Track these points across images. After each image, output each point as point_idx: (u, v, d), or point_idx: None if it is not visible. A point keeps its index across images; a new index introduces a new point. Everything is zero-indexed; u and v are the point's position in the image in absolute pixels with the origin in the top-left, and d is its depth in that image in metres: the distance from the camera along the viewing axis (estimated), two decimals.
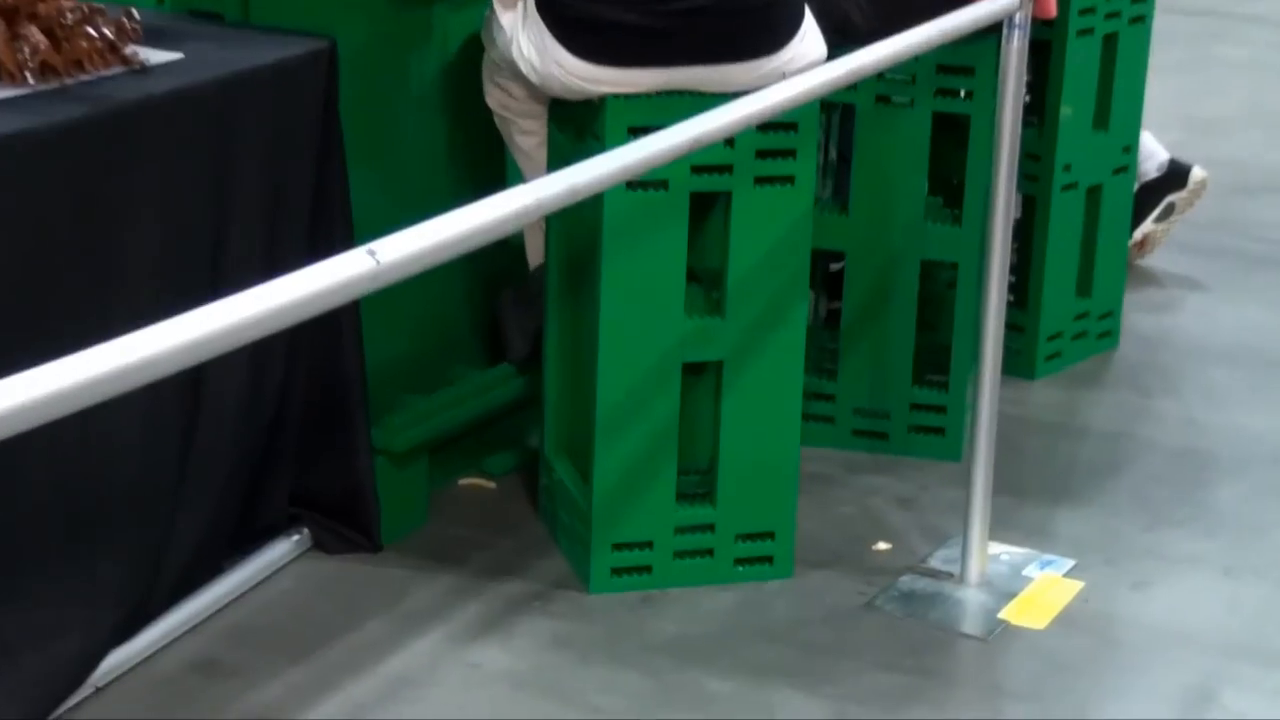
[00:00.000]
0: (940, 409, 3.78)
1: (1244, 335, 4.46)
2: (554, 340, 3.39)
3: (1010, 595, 3.26)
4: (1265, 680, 3.04)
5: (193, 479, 2.98)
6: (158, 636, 2.97)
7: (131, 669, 2.91)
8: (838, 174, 3.86)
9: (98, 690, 2.85)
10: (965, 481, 3.27)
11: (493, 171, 3.61)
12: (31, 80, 2.78)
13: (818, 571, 3.32)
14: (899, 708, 2.93)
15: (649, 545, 3.23)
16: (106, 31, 2.88)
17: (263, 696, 2.88)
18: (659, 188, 3.10)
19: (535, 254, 3.55)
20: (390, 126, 3.44)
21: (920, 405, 3.78)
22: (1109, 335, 4.35)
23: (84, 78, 2.83)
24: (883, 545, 3.43)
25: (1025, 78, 3.18)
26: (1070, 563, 3.38)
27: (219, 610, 3.09)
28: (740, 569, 3.28)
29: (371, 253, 1.97)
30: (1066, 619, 3.20)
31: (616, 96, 3.09)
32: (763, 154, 3.13)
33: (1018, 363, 4.11)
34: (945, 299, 3.84)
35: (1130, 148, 4.26)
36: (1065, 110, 4.07)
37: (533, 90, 3.25)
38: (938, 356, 3.81)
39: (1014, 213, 3.24)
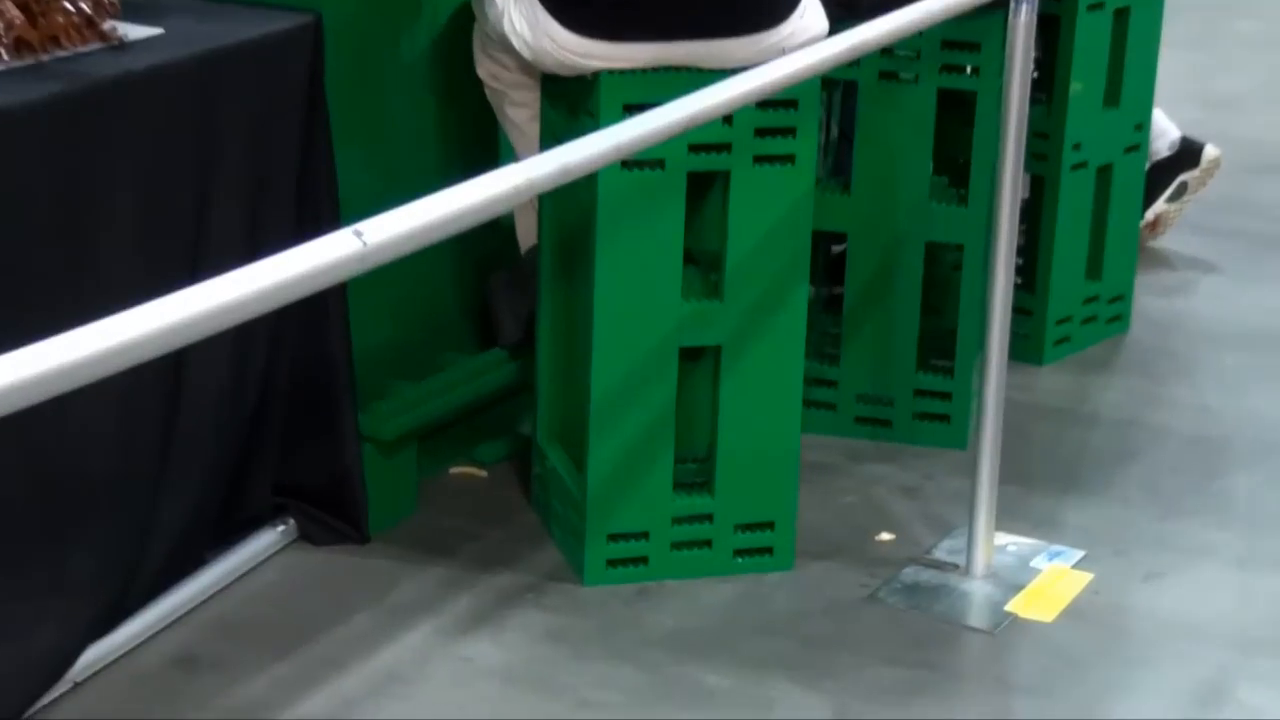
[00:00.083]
0: (945, 395, 3.78)
1: (1259, 318, 4.46)
2: (547, 324, 3.39)
3: (1017, 587, 3.26)
4: None
5: (173, 467, 2.98)
6: (137, 630, 2.97)
7: (110, 664, 2.91)
8: (840, 153, 3.85)
9: (75, 686, 2.85)
10: (971, 470, 3.26)
11: (484, 150, 3.61)
12: (6, 57, 2.77)
13: (819, 563, 3.32)
14: (902, 703, 2.93)
15: (645, 536, 3.23)
16: (84, 6, 2.87)
17: (246, 692, 2.88)
18: (655, 167, 3.09)
19: (527, 235, 3.54)
20: (378, 103, 3.44)
21: (925, 391, 3.78)
22: (1119, 319, 4.35)
23: (60, 54, 2.83)
24: (886, 536, 3.43)
25: (1034, 53, 3.17)
26: (1079, 554, 3.38)
27: (201, 603, 3.09)
28: (739, 560, 3.28)
29: (358, 233, 1.97)
30: (1075, 611, 3.20)
31: (611, 72, 3.08)
32: (762, 132, 3.13)
33: (1025, 347, 4.11)
34: (950, 282, 3.84)
35: (1142, 125, 4.26)
36: (1075, 87, 4.07)
37: (525, 64, 3.24)
38: (943, 341, 3.80)
39: (1022, 193, 3.24)
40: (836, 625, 3.14)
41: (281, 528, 3.28)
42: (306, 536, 3.30)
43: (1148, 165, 4.42)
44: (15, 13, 2.78)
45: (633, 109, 2.90)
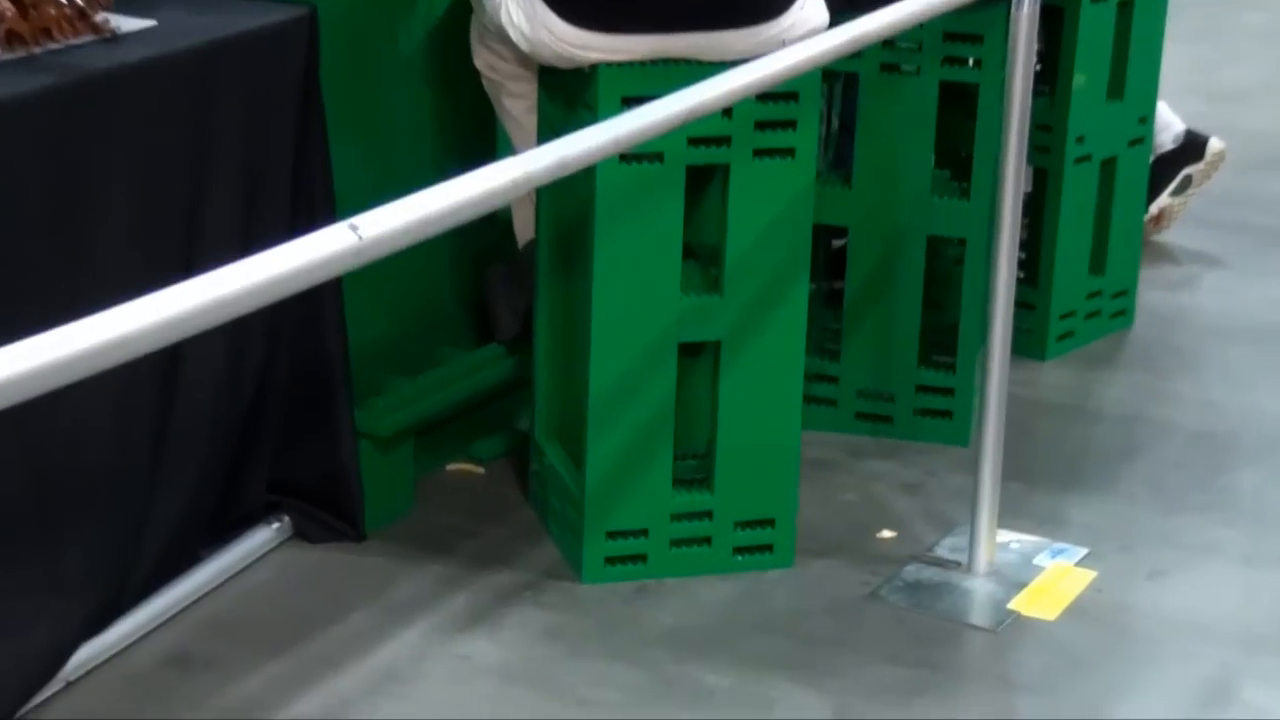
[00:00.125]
0: (947, 391, 3.78)
1: (1264, 313, 4.46)
2: (545, 319, 3.39)
3: (1020, 585, 3.26)
4: None
5: (168, 464, 2.98)
6: (131, 629, 2.97)
7: (103, 663, 2.91)
8: (840, 146, 3.85)
9: (68, 685, 2.85)
10: (973, 467, 3.27)
11: (481, 143, 3.61)
12: None
13: (819, 561, 3.32)
14: (904, 702, 2.93)
15: (644, 533, 3.23)
16: None
17: (241, 691, 2.88)
18: (654, 160, 3.09)
19: (524, 229, 3.54)
20: (374, 96, 3.44)
21: (926, 387, 3.78)
22: (1123, 314, 4.35)
23: (52, 46, 2.82)
24: (887, 533, 3.43)
25: (1036, 45, 3.17)
26: (1083, 551, 3.38)
27: (195, 602, 3.09)
28: (739, 558, 3.28)
29: (354, 228, 1.97)
30: (1079, 610, 3.20)
31: (609, 65, 3.08)
32: (762, 125, 3.13)
33: (1028, 343, 4.11)
34: (952, 276, 3.84)
35: (1146, 118, 4.26)
36: (1078, 79, 4.07)
37: (522, 56, 3.24)
38: (944, 336, 3.81)
39: (1024, 186, 3.23)
40: (837, 624, 3.14)
41: (277, 525, 3.28)
42: (302, 534, 3.30)
43: (1152, 158, 4.43)
44: (6, 5, 2.78)
45: (631, 101, 2.90)
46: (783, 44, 3.03)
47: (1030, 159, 3.59)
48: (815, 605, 3.19)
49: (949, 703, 2.94)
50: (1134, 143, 4.24)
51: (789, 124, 3.14)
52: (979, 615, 3.19)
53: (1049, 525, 3.46)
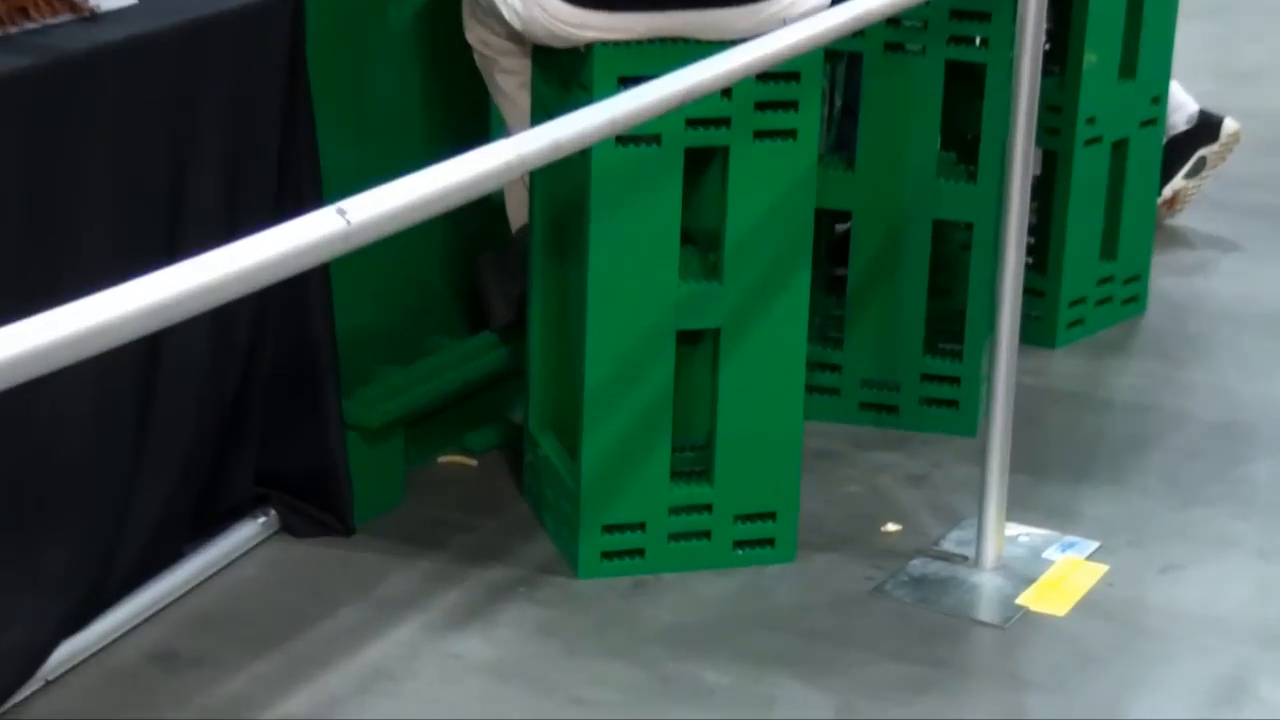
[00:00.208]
0: (954, 380, 3.78)
1: None
2: (539, 307, 3.39)
3: (1029, 580, 3.26)
4: None
5: (150, 456, 2.98)
6: (112, 626, 2.97)
7: (84, 661, 2.91)
8: (843, 128, 3.85)
9: (48, 684, 2.85)
10: (980, 458, 3.27)
11: (474, 123, 3.61)
12: None
13: (822, 555, 3.32)
14: (909, 700, 2.93)
15: (641, 527, 3.23)
16: None
17: (227, 689, 2.88)
18: (651, 142, 3.09)
19: (518, 214, 3.54)
20: (362, 75, 3.44)
21: (932, 376, 3.79)
22: (1135, 300, 4.35)
23: (29, 26, 2.82)
24: (892, 527, 3.43)
25: (1045, 23, 3.17)
26: (1094, 545, 3.38)
27: (179, 598, 3.10)
28: (739, 552, 3.28)
29: (342, 212, 1.97)
30: (1090, 605, 3.21)
31: (605, 44, 3.08)
32: (762, 106, 3.13)
33: (1037, 330, 4.11)
34: (959, 262, 3.84)
35: (1159, 98, 4.26)
36: (1089, 58, 4.07)
37: (515, 32, 3.24)
38: (951, 324, 3.81)
39: (1033, 169, 3.23)
40: (840, 620, 3.14)
41: (263, 519, 3.28)
42: (289, 528, 3.30)
43: (1165, 140, 4.42)
44: None
45: (628, 82, 2.90)
46: (783, 22, 3.03)
47: (1039, 141, 3.59)
48: (818, 601, 3.19)
49: (955, 701, 2.94)
50: (1146, 124, 4.24)
51: (790, 105, 3.14)
52: (987, 611, 3.19)
53: (1059, 518, 3.46)
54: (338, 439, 3.26)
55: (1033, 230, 3.97)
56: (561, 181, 3.22)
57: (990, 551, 3.28)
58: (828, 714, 2.89)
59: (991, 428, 3.24)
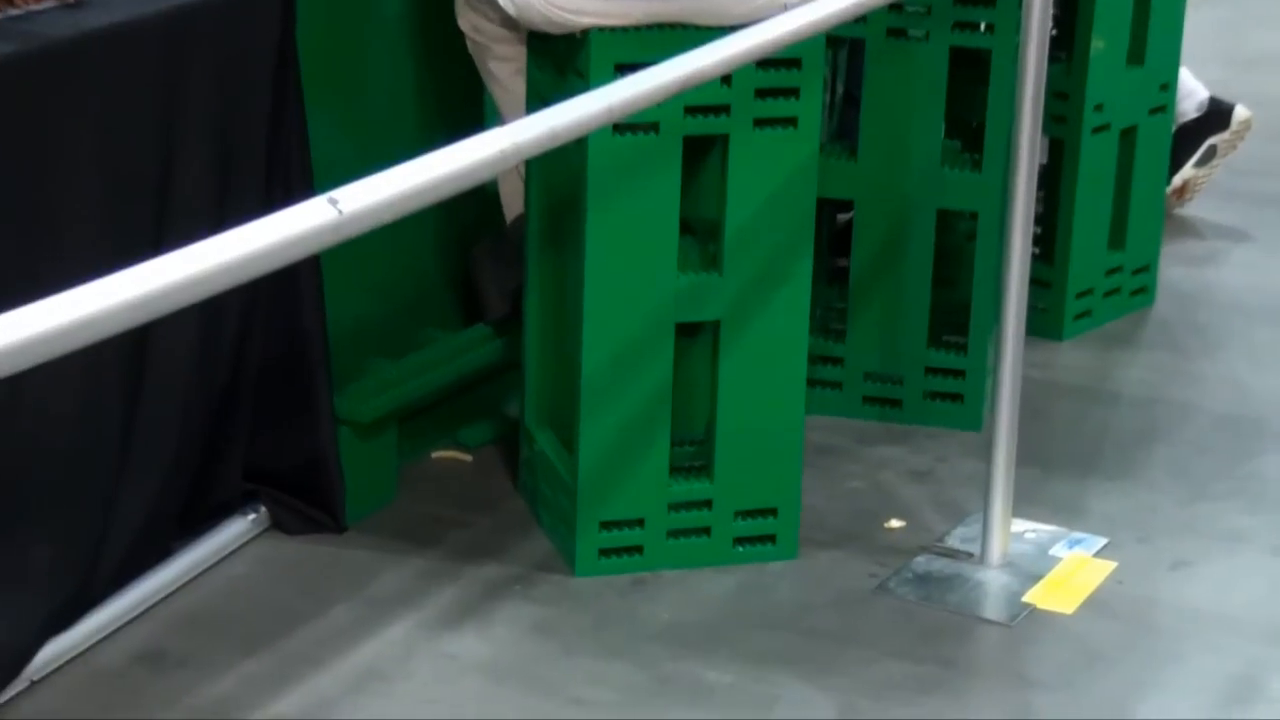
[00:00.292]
0: (959, 373, 3.78)
1: None
2: (535, 299, 3.39)
3: (1036, 577, 3.26)
4: None
5: (137, 452, 2.98)
6: (99, 625, 2.97)
7: (70, 661, 2.91)
8: (845, 115, 3.85)
9: (33, 684, 2.85)
10: (986, 452, 3.27)
11: (468, 111, 3.61)
12: None
13: (824, 552, 3.32)
14: (914, 700, 2.93)
15: (640, 524, 3.23)
16: None
17: (216, 690, 2.88)
18: (649, 131, 3.09)
19: (513, 204, 3.54)
20: (354, 61, 3.43)
21: (936, 369, 3.79)
22: (1144, 291, 4.35)
23: (12, 12, 2.82)
24: (896, 523, 3.43)
25: (1052, 8, 3.17)
26: (1102, 541, 3.38)
27: (167, 596, 3.09)
28: (740, 549, 3.28)
29: (333, 201, 1.97)
30: (1098, 602, 3.21)
31: (601, 29, 3.08)
32: (763, 93, 3.13)
33: (1044, 322, 4.11)
34: (964, 252, 3.84)
35: (1167, 85, 4.26)
36: (1096, 44, 4.07)
37: (509, 18, 3.24)
38: (956, 315, 3.81)
39: (1040, 157, 3.23)
40: (843, 618, 3.14)
41: (253, 516, 3.28)
42: (279, 525, 3.30)
43: (1174, 128, 4.42)
44: None
45: (625, 69, 2.90)
46: (784, 7, 3.02)
47: (1046, 128, 3.58)
48: (820, 599, 3.19)
49: (961, 701, 2.94)
50: (1155, 111, 4.23)
51: (791, 92, 3.14)
52: (992, 609, 3.19)
53: (1066, 514, 3.46)
54: (329, 434, 3.26)
55: (1039, 220, 3.97)
56: (558, 170, 3.22)
57: (996, 548, 3.28)
58: (830, 714, 2.89)
59: (997, 422, 3.24)
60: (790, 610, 3.16)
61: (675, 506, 3.25)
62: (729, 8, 3.11)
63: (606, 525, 3.22)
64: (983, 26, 3.70)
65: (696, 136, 3.15)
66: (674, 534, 3.25)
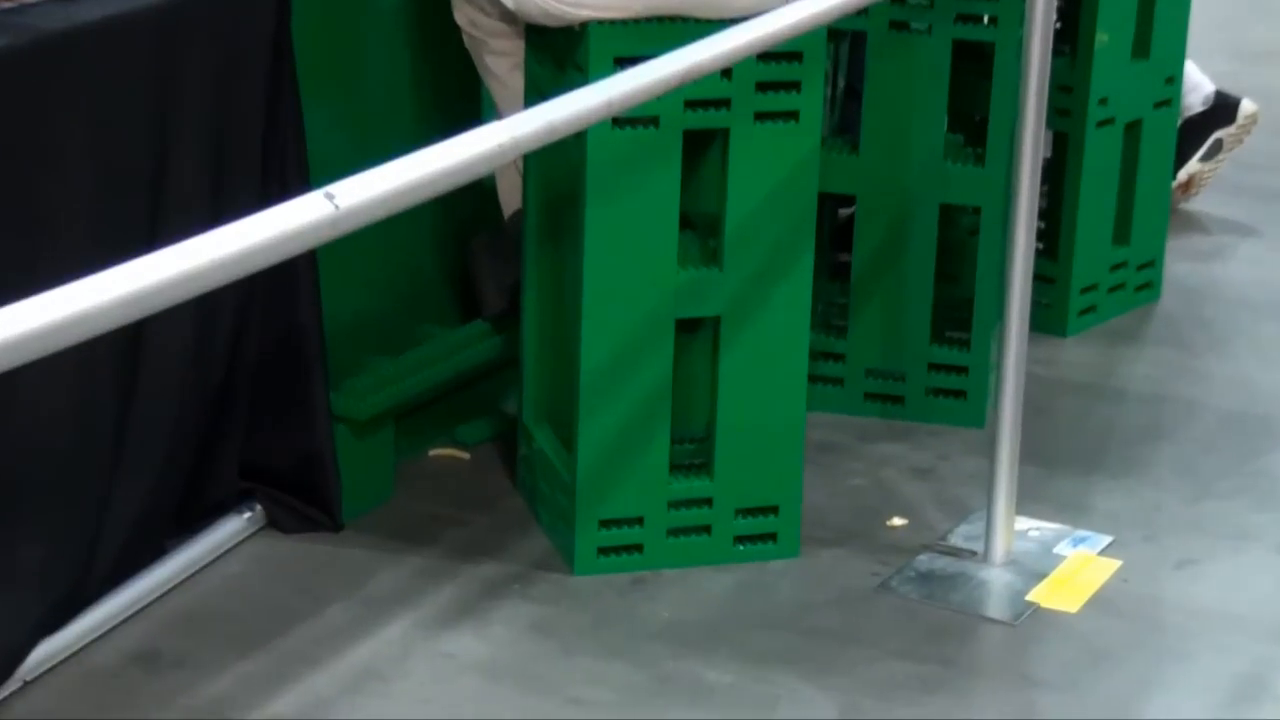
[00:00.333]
0: (961, 369, 3.78)
1: None
2: (533, 294, 3.39)
3: (1040, 575, 3.26)
4: None
5: (131, 449, 2.98)
6: (93, 625, 2.97)
7: (63, 661, 2.91)
8: (847, 109, 3.85)
9: (25, 685, 2.85)
10: (989, 450, 3.27)
11: (466, 105, 3.61)
12: None
13: (826, 550, 3.32)
14: (917, 700, 2.93)
15: (639, 522, 3.23)
16: None
17: (211, 690, 2.88)
18: (648, 125, 3.09)
19: (510, 199, 3.54)
20: (350, 54, 3.43)
21: (939, 365, 3.79)
22: (1149, 287, 4.35)
23: (4, 5, 2.81)
24: (898, 521, 3.43)
25: (1056, 0, 3.17)
26: (1107, 539, 3.38)
27: (162, 596, 3.09)
28: (741, 548, 3.28)
29: (329, 196, 1.97)
30: (1103, 602, 3.21)
31: (600, 22, 3.08)
32: (764, 87, 3.13)
33: (1048, 318, 4.11)
34: (967, 247, 3.84)
35: (1173, 78, 4.26)
36: (1101, 37, 4.07)
37: (507, 12, 3.24)
38: (958, 311, 3.81)
39: (1043, 151, 3.23)
40: (845, 617, 3.14)
41: (248, 514, 3.28)
42: (275, 524, 3.30)
43: (1180, 121, 4.42)
44: None
45: (624, 62, 2.90)
46: (785, 0, 3.03)
47: (1050, 122, 3.58)
48: (821, 597, 3.19)
49: (964, 700, 2.94)
50: (1160, 104, 4.23)
51: (792, 86, 3.14)
52: (996, 608, 3.19)
53: (1070, 512, 3.46)
54: (325, 431, 3.25)
55: (1043, 215, 3.97)
56: (556, 165, 3.22)
57: (999, 546, 3.29)
58: (832, 714, 2.89)
59: (1001, 419, 3.24)
60: (791, 609, 3.16)
61: (675, 504, 3.25)
62: (729, 0, 3.11)
63: (606, 523, 3.22)
64: (986, 19, 3.70)
65: (697, 131, 3.15)
66: (674, 532, 3.25)
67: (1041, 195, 3.36)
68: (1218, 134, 4.76)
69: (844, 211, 3.93)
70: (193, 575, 3.16)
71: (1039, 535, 3.38)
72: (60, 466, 2.87)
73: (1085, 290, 4.20)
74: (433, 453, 3.59)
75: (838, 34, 3.76)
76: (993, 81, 3.69)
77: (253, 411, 3.23)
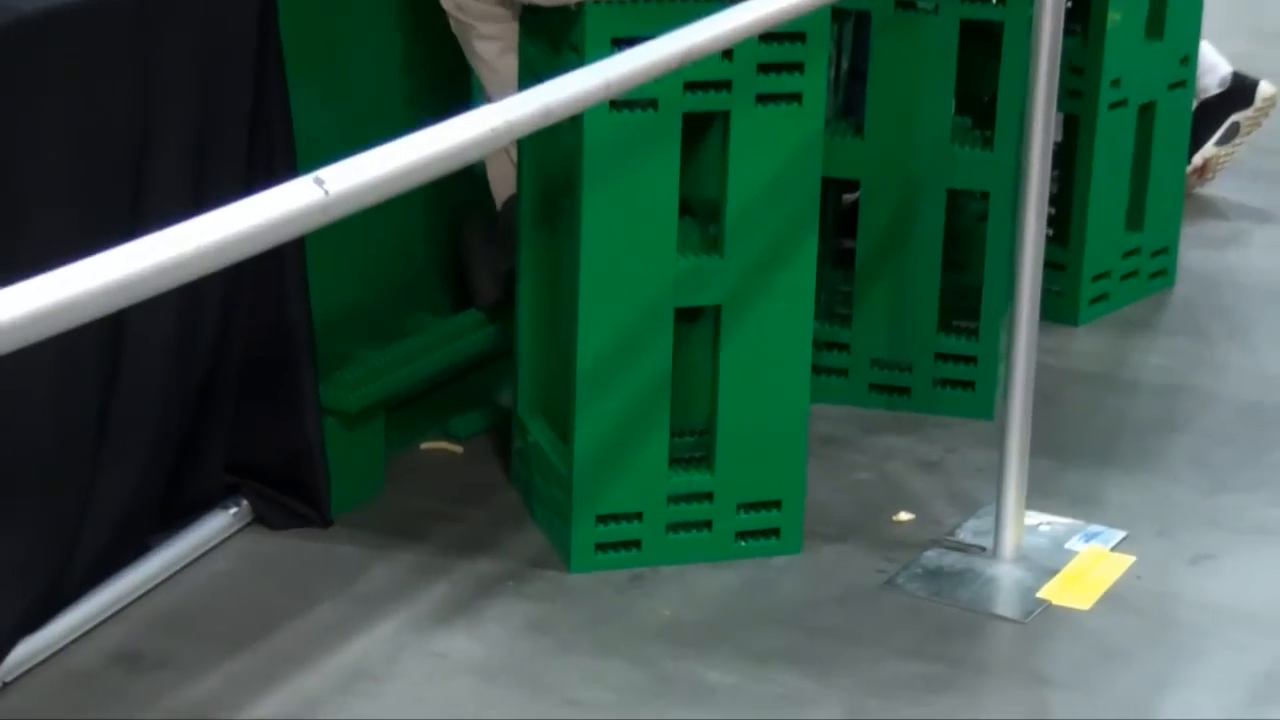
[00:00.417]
0: (970, 359, 3.78)
1: None
2: (528, 283, 3.39)
3: (1051, 572, 3.27)
4: None
5: (113, 443, 2.98)
6: (74, 624, 2.97)
7: (43, 662, 2.91)
8: (851, 91, 3.85)
9: (4, 686, 2.86)
10: (998, 442, 3.27)
11: (457, 88, 3.60)
12: None
13: (830, 546, 3.33)
14: (924, 700, 2.94)
15: (638, 517, 3.24)
16: None
17: (196, 691, 2.89)
18: (647, 107, 3.09)
19: (504, 185, 3.54)
20: (339, 35, 3.43)
21: (947, 355, 3.79)
22: (1163, 274, 4.36)
23: None
24: (904, 516, 3.44)
25: None
26: (1119, 534, 3.39)
27: (145, 594, 3.10)
28: (742, 544, 3.29)
29: (319, 182, 1.97)
30: (1116, 598, 3.21)
31: (597, 2, 3.08)
32: (765, 68, 3.13)
33: (1059, 306, 4.12)
34: (975, 234, 3.84)
35: (1188, 59, 4.26)
36: (1113, 16, 4.07)
37: None
38: (966, 300, 3.81)
39: (1054, 134, 3.23)
40: (850, 615, 3.15)
41: (234, 510, 3.28)
42: (262, 519, 3.30)
43: (1195, 104, 4.42)
44: None
45: (622, 43, 2.90)
46: None
47: (1060, 104, 3.58)
48: (825, 595, 3.20)
49: (973, 700, 2.95)
50: (1175, 86, 4.23)
51: (795, 67, 3.14)
52: (1005, 605, 3.19)
53: (1082, 506, 3.47)
54: (314, 424, 3.26)
55: (1053, 200, 3.97)
56: (552, 149, 3.22)
57: (1009, 542, 3.29)
58: (836, 714, 2.90)
59: (1010, 410, 3.24)
60: (795, 607, 3.16)
61: (675, 499, 3.25)
62: None
63: (603, 519, 3.23)
64: None
65: (697, 113, 3.15)
66: (673, 528, 3.26)
67: (1052, 180, 3.36)
68: (1234, 117, 4.76)
69: (848, 197, 3.93)
70: (177, 573, 3.16)
71: (1050, 530, 3.38)
72: (39, 461, 2.87)
73: (1097, 278, 4.20)
74: (425, 446, 3.59)
75: (842, 13, 3.76)
76: (1002, 62, 3.69)
77: (239, 404, 3.23)
